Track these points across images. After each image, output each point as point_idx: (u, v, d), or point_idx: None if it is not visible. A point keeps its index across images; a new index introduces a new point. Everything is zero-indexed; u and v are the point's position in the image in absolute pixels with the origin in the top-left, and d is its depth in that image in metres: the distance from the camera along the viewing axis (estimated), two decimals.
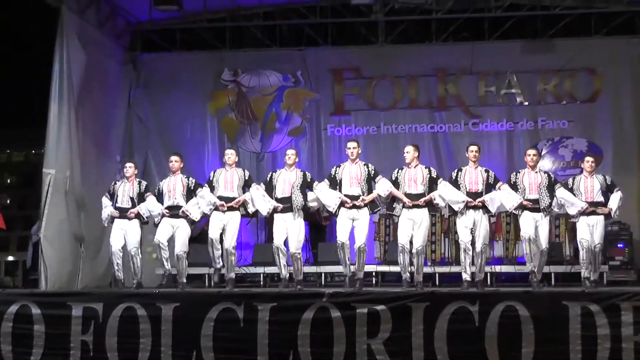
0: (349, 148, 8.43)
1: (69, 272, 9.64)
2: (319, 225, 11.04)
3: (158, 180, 9.36)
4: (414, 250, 8.10)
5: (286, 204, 8.35)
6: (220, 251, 8.51)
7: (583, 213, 8.02)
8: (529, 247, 8.10)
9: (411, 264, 8.23)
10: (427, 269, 9.38)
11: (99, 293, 8.43)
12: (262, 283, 10.25)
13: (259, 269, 10.21)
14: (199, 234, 10.20)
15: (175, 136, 11.98)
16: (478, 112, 11.89)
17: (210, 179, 8.72)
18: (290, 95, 12.19)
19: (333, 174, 8.42)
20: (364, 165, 8.40)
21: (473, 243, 8.17)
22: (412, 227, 8.14)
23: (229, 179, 8.65)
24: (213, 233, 8.52)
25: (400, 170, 8.38)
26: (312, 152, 12.06)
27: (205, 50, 12.18)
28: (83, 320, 7.79)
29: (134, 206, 8.87)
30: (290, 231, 8.31)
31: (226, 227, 8.44)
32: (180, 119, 12.10)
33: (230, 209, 8.50)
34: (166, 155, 9.08)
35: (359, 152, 8.47)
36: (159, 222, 8.72)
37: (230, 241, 8.45)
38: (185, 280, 8.72)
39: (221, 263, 8.58)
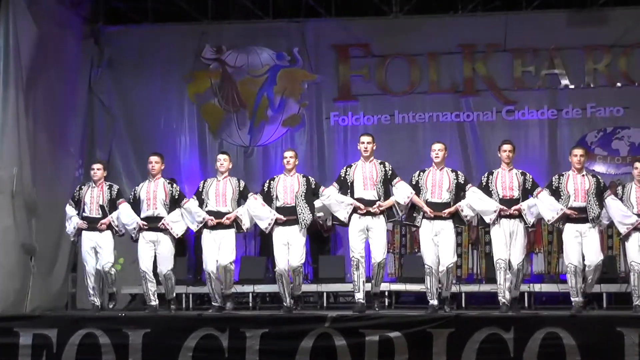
0: (362, 143, 8.48)
1: (16, 292, 9.59)
2: (320, 235, 11.10)
3: (125, 180, 9.39)
4: (441, 269, 8.20)
5: (290, 216, 8.42)
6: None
7: (635, 229, 8.03)
8: (574, 279, 8.13)
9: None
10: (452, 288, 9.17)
11: (53, 317, 8.42)
12: (250, 304, 10.23)
13: (247, 287, 10.21)
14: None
15: (146, 126, 12.06)
16: (513, 97, 11.93)
17: (200, 190, 8.79)
18: (285, 76, 12.22)
19: (343, 175, 8.49)
20: (380, 164, 8.46)
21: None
22: (436, 242, 8.24)
23: (221, 191, 8.71)
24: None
25: (422, 173, 8.47)
26: (312, 146, 12.13)
27: (182, 22, 12.20)
28: (33, 350, 7.77)
29: (104, 216, 8.91)
30: (293, 244, 8.41)
31: (221, 246, 8.58)
32: (152, 106, 12.18)
33: (221, 225, 8.57)
34: (134, 149, 9.13)
35: (374, 148, 8.51)
36: (137, 238, 8.76)
37: (228, 258, 8.60)
38: (174, 296, 8.91)
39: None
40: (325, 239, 11.17)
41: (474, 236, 10.69)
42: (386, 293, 9.99)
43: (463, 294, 9.90)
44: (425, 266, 8.25)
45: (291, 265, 8.38)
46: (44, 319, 8.11)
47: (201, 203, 8.69)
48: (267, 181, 8.70)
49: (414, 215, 8.35)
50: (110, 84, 12.12)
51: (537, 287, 9.82)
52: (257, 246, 11.22)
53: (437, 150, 8.41)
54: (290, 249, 8.38)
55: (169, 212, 8.74)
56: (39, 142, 10.33)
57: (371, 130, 11.15)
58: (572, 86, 11.82)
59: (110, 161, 11.69)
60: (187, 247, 10.63)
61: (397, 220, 8.70)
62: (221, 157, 8.86)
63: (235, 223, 8.64)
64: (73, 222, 8.96)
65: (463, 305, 9.83)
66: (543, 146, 11.75)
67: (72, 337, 7.73)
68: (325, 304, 10.15)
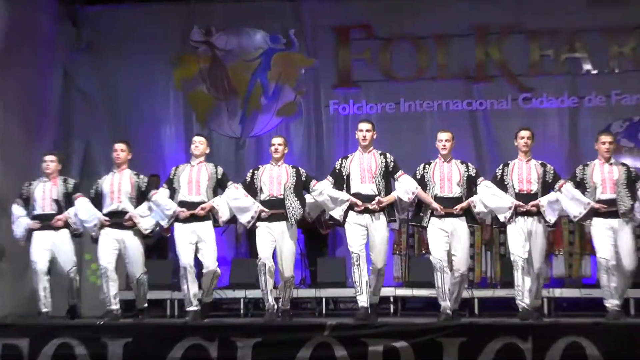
0: (361, 131, 8.29)
1: None
2: (318, 233, 10.58)
3: (104, 174, 9.13)
4: (455, 275, 8.04)
5: (277, 209, 8.21)
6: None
7: None
8: (607, 276, 7.96)
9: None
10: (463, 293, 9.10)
11: (25, 325, 8.31)
12: (242, 311, 10.19)
13: (239, 293, 10.14)
14: (157, 242, 10.25)
15: (128, 115, 12.05)
16: (530, 84, 11.94)
17: (171, 177, 8.56)
18: (280, 61, 12.23)
19: (338, 167, 8.31)
20: (381, 155, 8.28)
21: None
22: (448, 238, 8.09)
23: (194, 178, 8.48)
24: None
25: (427, 166, 8.30)
26: (309, 138, 12.11)
27: (167, 1, 12.18)
28: None
29: (60, 212, 8.71)
30: (281, 246, 8.21)
31: (201, 244, 8.36)
32: (134, 93, 12.16)
33: (195, 217, 8.33)
34: (115, 139, 9.03)
35: (374, 136, 8.34)
36: (97, 236, 8.53)
37: (211, 259, 8.37)
38: (146, 305, 8.70)
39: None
40: (323, 237, 10.99)
41: (487, 236, 10.57)
42: (391, 299, 9.93)
43: (476, 300, 9.83)
44: (434, 260, 8.05)
45: (282, 275, 8.24)
46: (14, 328, 8.04)
47: (173, 192, 8.46)
48: (251, 171, 8.48)
49: (421, 214, 8.19)
50: (89, 69, 12.11)
51: (557, 292, 9.76)
52: (248, 247, 11.17)
53: (444, 140, 8.24)
54: (279, 252, 8.21)
55: (135, 207, 8.54)
56: (11, 132, 10.32)
57: (375, 119, 10.91)
58: (594, 71, 11.81)
59: (88, 155, 11.66)
60: (170, 248, 10.47)
61: (403, 218, 8.56)
62: (197, 139, 8.65)
63: (211, 215, 8.39)
64: (22, 223, 8.73)
65: (476, 311, 9.74)
66: (563, 137, 11.74)
67: (45, 347, 7.68)
68: (324, 311, 10.05)
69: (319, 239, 10.99)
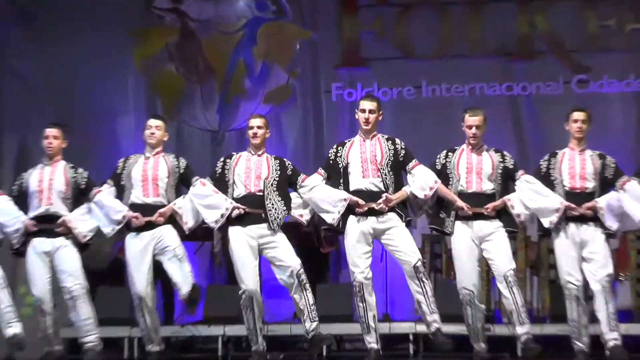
0: (363, 111, 8.10)
1: None
2: (317, 252, 10.67)
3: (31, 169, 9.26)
4: (499, 280, 7.91)
5: (255, 208, 8.04)
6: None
7: None
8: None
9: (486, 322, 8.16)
10: (502, 328, 9.32)
11: None
12: (220, 352, 10.04)
13: (216, 330, 10.00)
14: (111, 265, 10.21)
15: (76, 103, 11.94)
16: (587, 62, 11.90)
17: (118, 172, 8.42)
18: (269, 34, 12.23)
19: (333, 156, 8.15)
20: (388, 140, 8.12)
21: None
22: (479, 254, 7.95)
23: (150, 173, 8.31)
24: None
25: (450, 154, 8.14)
26: (305, 131, 12.08)
27: None
28: None
29: None
30: (272, 246, 8.06)
31: (160, 246, 8.19)
32: (84, 75, 12.07)
33: (151, 226, 8.18)
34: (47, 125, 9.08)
35: (379, 118, 8.15)
36: (19, 246, 8.32)
37: (189, 276, 8.22)
38: (59, 348, 8.41)
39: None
40: (323, 257, 10.86)
41: (533, 255, 10.43)
42: (410, 337, 9.72)
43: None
44: (462, 292, 7.93)
45: (293, 269, 8.06)
46: None
47: (122, 191, 8.28)
48: (222, 159, 8.30)
49: (441, 215, 8.02)
50: (26, 45, 12.08)
51: (622, 328, 9.01)
52: (228, 270, 10.62)
53: (473, 123, 8.06)
54: (273, 252, 8.05)
55: (72, 210, 8.35)
56: None
57: (389, 107, 11.02)
58: None
59: (25, 150, 11.58)
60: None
61: (425, 234, 8.53)
62: (152, 122, 8.43)
63: (173, 221, 8.24)
64: None
65: (519, 353, 9.13)
66: (628, 127, 11.69)
67: None
68: (325, 353, 9.76)
69: (318, 259, 10.79)
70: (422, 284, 7.82)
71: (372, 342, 7.94)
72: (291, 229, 8.26)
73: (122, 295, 9.84)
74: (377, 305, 8.06)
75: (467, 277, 7.90)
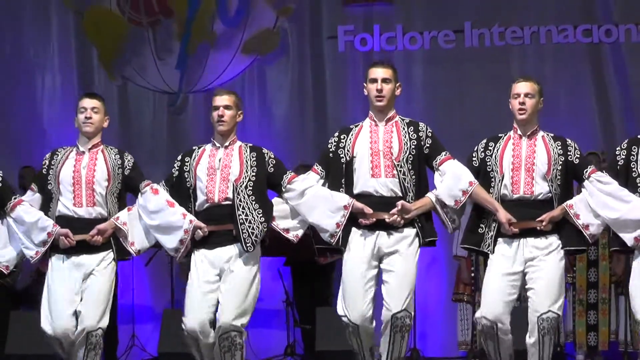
0: (374, 81, 7.32)
1: None
2: (313, 267, 10.24)
3: None
4: (531, 323, 7.12)
5: (222, 224, 7.34)
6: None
7: None
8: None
9: None
10: None
11: None
12: None
13: None
14: (24, 292, 10.16)
15: None
16: None
17: (43, 172, 7.59)
18: None
19: (333, 147, 7.41)
20: (409, 125, 7.34)
21: None
22: (521, 280, 7.21)
23: (84, 175, 7.47)
24: None
25: (492, 144, 7.31)
26: (301, 94, 11.35)
27: None
28: None
29: None
30: (228, 281, 7.35)
31: (84, 293, 7.47)
32: None
33: (84, 247, 7.35)
34: None
35: (398, 92, 7.34)
36: None
37: (93, 319, 7.42)
38: None
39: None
40: (324, 271, 10.23)
41: (619, 270, 9.56)
42: None
43: None
44: (481, 322, 7.17)
45: (222, 323, 7.27)
46: None
47: (48, 200, 7.47)
48: (179, 158, 7.58)
49: (480, 230, 7.23)
50: None
51: None
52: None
53: (523, 95, 7.19)
54: (223, 291, 7.37)
55: None
56: None
57: (418, 61, 10.78)
58: None
59: None
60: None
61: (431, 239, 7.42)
62: (87, 103, 7.53)
63: (114, 242, 7.43)
64: None
65: None
66: None
67: None
68: None
69: (317, 275, 10.42)
70: (393, 339, 7.22)
71: None
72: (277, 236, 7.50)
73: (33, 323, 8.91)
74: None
75: (490, 300, 7.15)
